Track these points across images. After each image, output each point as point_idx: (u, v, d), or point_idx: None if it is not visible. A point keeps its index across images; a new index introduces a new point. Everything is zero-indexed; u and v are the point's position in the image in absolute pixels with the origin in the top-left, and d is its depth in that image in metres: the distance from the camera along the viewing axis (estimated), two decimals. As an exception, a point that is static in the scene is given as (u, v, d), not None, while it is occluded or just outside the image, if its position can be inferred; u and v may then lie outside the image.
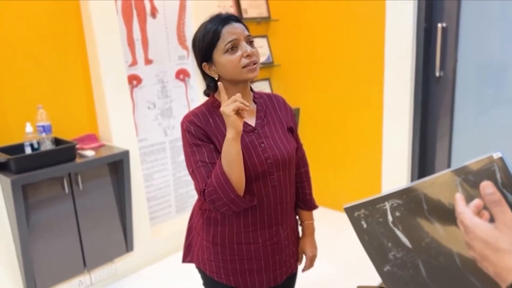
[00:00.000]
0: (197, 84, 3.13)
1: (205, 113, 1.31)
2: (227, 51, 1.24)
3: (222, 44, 1.24)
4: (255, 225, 1.32)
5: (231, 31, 1.25)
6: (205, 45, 1.27)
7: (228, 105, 1.15)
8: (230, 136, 1.17)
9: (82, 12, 2.51)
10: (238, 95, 1.16)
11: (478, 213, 0.63)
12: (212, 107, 1.33)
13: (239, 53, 1.24)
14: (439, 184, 0.69)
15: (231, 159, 1.18)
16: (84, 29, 2.55)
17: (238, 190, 1.20)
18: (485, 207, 0.63)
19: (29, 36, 2.39)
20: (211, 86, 1.34)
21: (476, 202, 0.64)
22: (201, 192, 1.24)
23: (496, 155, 0.64)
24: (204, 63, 1.30)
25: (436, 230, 0.71)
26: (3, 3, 2.27)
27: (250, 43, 1.28)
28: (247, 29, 1.30)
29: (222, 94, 1.20)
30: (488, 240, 0.59)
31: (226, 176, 1.18)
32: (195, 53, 1.32)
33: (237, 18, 1.29)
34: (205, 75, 1.34)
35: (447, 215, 0.70)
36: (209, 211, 1.37)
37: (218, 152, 1.26)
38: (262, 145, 1.30)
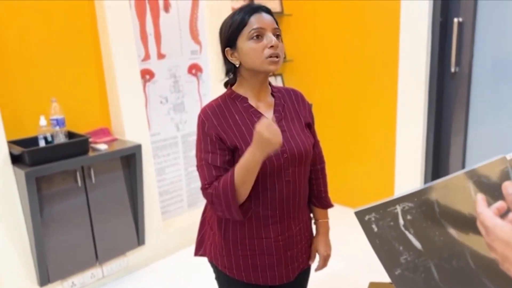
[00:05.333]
0: (209, 79, 3.13)
1: (221, 106, 1.30)
2: (251, 38, 1.23)
3: (247, 30, 1.23)
4: (266, 219, 1.32)
5: (259, 20, 1.24)
6: (230, 30, 1.26)
7: (274, 134, 1.13)
8: (261, 158, 1.16)
9: (96, 7, 2.52)
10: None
11: (500, 215, 0.62)
12: (229, 100, 1.32)
13: (263, 42, 1.23)
14: (451, 186, 0.68)
15: (249, 178, 1.19)
16: (97, 23, 2.56)
17: (240, 202, 1.24)
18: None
19: (43, 30, 2.41)
20: (230, 75, 1.33)
21: (499, 204, 0.62)
22: (201, 189, 1.28)
23: (509, 156, 0.64)
24: (227, 49, 1.29)
25: (449, 233, 0.70)
26: (18, -3, 2.29)
27: (277, 36, 1.26)
28: (277, 22, 1.29)
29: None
30: (509, 240, 0.58)
31: (235, 193, 1.20)
32: (220, 38, 1.32)
33: (268, 9, 1.28)
34: (226, 61, 1.32)
35: (460, 218, 0.69)
36: None
37: (226, 149, 1.26)
38: None
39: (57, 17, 2.45)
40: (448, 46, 2.70)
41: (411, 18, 2.72)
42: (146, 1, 2.74)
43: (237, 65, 1.29)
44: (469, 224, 0.67)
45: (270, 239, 1.33)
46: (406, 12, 2.74)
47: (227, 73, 1.33)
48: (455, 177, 0.67)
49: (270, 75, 1.42)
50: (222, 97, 1.33)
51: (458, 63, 2.69)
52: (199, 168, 1.29)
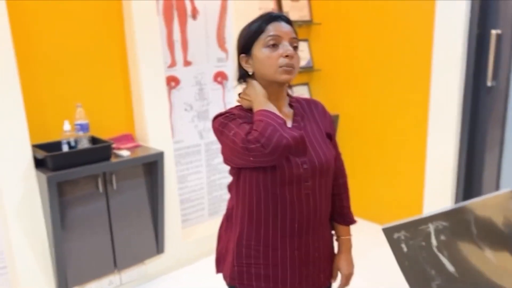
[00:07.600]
0: (235, 87, 3.09)
1: (235, 114, 1.26)
2: (267, 45, 1.20)
3: (263, 37, 1.21)
4: (284, 230, 1.26)
5: (276, 28, 1.21)
6: (247, 37, 1.24)
7: None
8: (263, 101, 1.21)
9: (124, 12, 2.53)
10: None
11: None
12: (242, 111, 1.28)
13: (279, 51, 1.20)
14: (491, 206, 0.61)
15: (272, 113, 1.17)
16: (125, 29, 2.56)
17: None
18: None
19: (70, 35, 2.43)
20: (241, 81, 1.31)
21: None
22: (242, 143, 1.13)
23: None
24: (242, 55, 1.26)
25: (486, 257, 0.63)
26: (45, 3, 2.31)
27: (294, 47, 1.23)
28: (295, 32, 1.25)
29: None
30: None
31: (271, 112, 1.16)
32: (237, 44, 1.29)
33: (287, 19, 1.25)
34: (239, 67, 1.30)
35: (500, 240, 0.62)
36: (236, 208, 1.32)
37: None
38: None
39: (85, 23, 2.46)
40: (485, 59, 2.58)
41: (446, 30, 2.62)
42: (174, 8, 2.73)
43: (250, 73, 1.26)
44: (510, 249, 0.60)
45: (285, 252, 1.28)
46: (440, 23, 2.64)
47: (238, 80, 1.31)
48: (495, 196, 0.61)
49: (291, 87, 1.37)
50: (235, 108, 1.30)
51: (495, 77, 2.56)
52: (234, 136, 1.17)
